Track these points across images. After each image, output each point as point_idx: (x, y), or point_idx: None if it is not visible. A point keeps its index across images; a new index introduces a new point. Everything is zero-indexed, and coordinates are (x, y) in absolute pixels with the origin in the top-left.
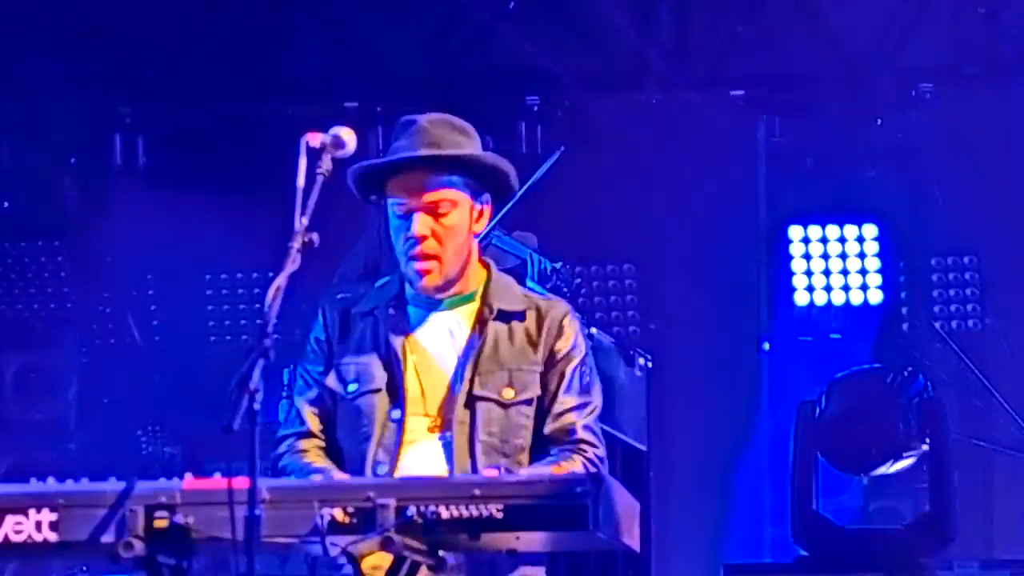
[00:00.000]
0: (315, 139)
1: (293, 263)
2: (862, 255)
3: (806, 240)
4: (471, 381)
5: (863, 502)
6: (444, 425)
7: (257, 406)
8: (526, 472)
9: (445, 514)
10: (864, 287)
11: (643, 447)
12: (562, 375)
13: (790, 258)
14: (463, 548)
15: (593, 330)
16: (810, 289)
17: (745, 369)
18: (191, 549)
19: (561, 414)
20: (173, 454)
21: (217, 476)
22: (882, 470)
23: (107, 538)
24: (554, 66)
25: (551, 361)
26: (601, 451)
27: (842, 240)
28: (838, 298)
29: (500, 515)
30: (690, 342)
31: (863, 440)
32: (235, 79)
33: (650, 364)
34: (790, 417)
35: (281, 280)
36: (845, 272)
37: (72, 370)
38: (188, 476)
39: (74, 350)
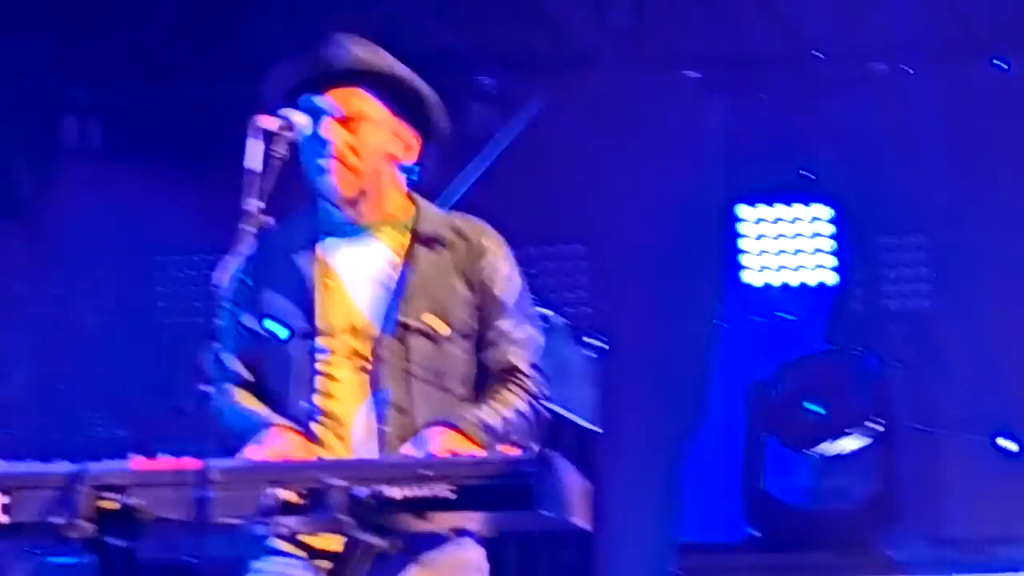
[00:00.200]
0: (267, 122)
1: (246, 246)
2: (815, 235)
3: (759, 220)
4: (400, 311)
5: (813, 482)
6: (372, 359)
7: (208, 388)
8: (478, 436)
9: (396, 494)
10: (816, 268)
11: (595, 428)
12: (497, 300)
13: (742, 238)
14: (413, 528)
15: (545, 311)
16: (762, 269)
17: (696, 350)
18: (140, 531)
19: (502, 346)
20: (124, 436)
21: (166, 457)
22: (832, 449)
23: (56, 520)
24: (507, 47)
25: (483, 288)
26: (544, 388)
27: (794, 220)
28: (790, 278)
29: (451, 495)
30: (642, 323)
31: (813, 419)
32: (188, 60)
33: (602, 345)
34: (741, 397)
35: (233, 262)
36: (797, 252)
37: (23, 352)
38: (138, 458)
39: (25, 332)
